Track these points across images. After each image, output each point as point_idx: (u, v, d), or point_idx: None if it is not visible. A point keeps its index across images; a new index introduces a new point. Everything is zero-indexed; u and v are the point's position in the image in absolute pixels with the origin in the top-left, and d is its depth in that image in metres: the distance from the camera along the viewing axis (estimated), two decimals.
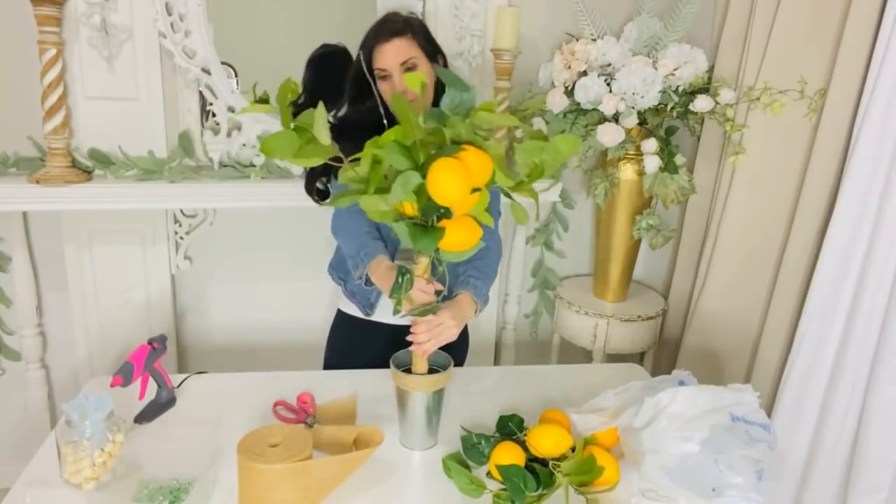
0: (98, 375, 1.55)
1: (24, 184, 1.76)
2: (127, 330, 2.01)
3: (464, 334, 1.67)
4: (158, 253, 2.01)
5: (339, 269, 1.59)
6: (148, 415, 1.27)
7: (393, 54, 1.36)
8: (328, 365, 1.64)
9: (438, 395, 1.20)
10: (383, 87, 1.39)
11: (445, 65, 1.48)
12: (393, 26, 1.39)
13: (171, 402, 1.31)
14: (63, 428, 1.06)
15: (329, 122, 1.38)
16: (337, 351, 1.63)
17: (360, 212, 1.41)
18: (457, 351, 1.61)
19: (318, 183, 1.53)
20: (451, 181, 0.94)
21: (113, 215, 1.90)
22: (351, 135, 1.30)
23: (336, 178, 1.37)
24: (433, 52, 1.44)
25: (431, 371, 1.22)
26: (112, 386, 1.21)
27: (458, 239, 1.04)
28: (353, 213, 1.42)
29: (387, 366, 1.34)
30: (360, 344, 1.57)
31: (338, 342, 1.63)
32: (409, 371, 1.21)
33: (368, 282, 1.36)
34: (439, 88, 1.44)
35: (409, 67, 1.37)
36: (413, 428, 1.22)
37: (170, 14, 1.82)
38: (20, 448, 2.01)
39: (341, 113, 1.47)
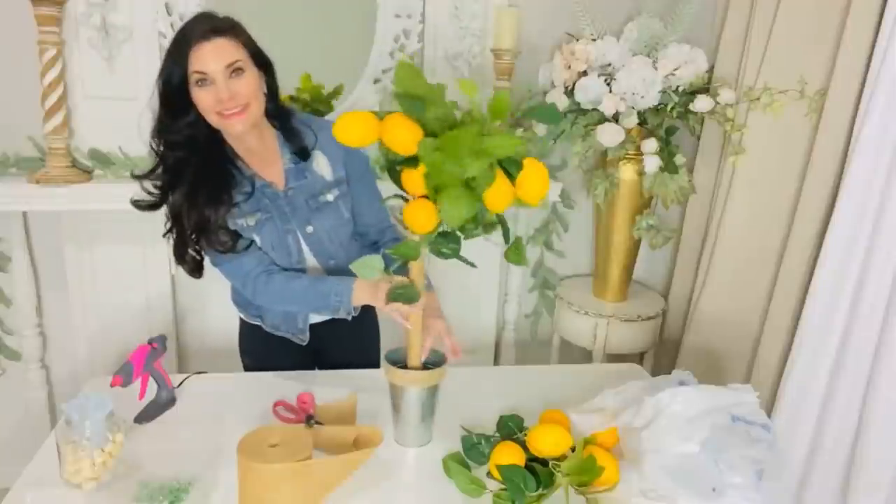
0: (98, 375, 1.54)
1: (24, 184, 1.76)
2: (127, 330, 2.01)
3: (375, 327, 1.65)
4: (158, 253, 2.01)
5: (250, 307, 1.49)
6: (148, 415, 1.27)
7: (215, 55, 1.16)
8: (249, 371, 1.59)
9: (433, 391, 1.21)
10: (201, 97, 1.19)
11: (273, 75, 1.29)
12: (212, 23, 1.19)
13: (171, 402, 1.31)
14: (63, 428, 1.06)
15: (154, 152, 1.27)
16: (256, 359, 1.56)
17: (288, 274, 1.35)
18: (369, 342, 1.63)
19: (190, 250, 1.33)
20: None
21: (113, 215, 1.90)
22: (180, 165, 1.25)
23: (204, 245, 1.30)
24: (260, 58, 1.26)
25: (425, 368, 1.23)
26: (112, 386, 1.21)
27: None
28: (283, 281, 1.34)
29: (309, 365, 1.47)
30: (278, 350, 1.50)
31: (254, 351, 1.57)
32: (403, 368, 1.22)
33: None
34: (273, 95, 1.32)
35: (235, 70, 1.18)
36: (408, 425, 1.22)
37: (170, 14, 1.82)
38: (20, 448, 2.00)
39: (161, 146, 1.27)
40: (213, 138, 1.29)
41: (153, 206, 1.30)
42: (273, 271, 1.37)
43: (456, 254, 1.10)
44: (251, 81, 1.22)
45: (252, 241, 1.35)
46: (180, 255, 1.33)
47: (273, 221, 1.35)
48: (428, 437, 1.25)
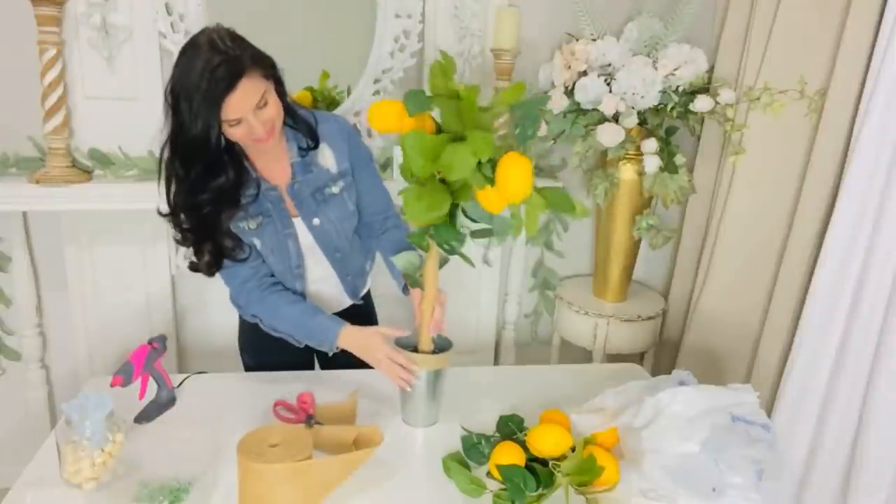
0: (98, 375, 1.55)
1: (24, 184, 1.76)
2: (127, 330, 2.01)
3: (373, 320, 1.68)
4: (158, 253, 2.01)
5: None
6: (148, 415, 1.27)
7: (244, 101, 1.16)
8: (249, 369, 1.60)
9: (440, 374, 1.26)
10: (233, 132, 1.21)
11: (277, 71, 1.26)
12: (232, 67, 1.14)
13: (171, 402, 1.31)
14: (63, 428, 1.06)
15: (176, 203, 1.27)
16: (256, 356, 1.57)
17: (284, 296, 1.37)
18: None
19: (207, 254, 1.31)
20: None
21: (113, 215, 1.90)
22: (215, 206, 1.27)
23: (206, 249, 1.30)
24: (268, 68, 1.22)
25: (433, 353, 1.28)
26: (112, 386, 1.21)
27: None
28: (276, 303, 1.36)
29: (309, 362, 1.55)
30: (277, 347, 1.49)
31: (254, 349, 1.57)
32: (414, 351, 1.27)
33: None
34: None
35: (261, 106, 1.19)
36: (416, 405, 1.27)
37: (170, 14, 1.82)
38: (20, 448, 2.01)
39: (188, 192, 1.27)
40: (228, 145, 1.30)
41: (209, 267, 1.33)
42: (268, 285, 1.38)
43: (456, 250, 1.13)
44: (274, 102, 1.23)
45: (251, 250, 1.36)
46: (198, 255, 1.32)
47: (273, 224, 1.36)
48: (434, 418, 1.30)
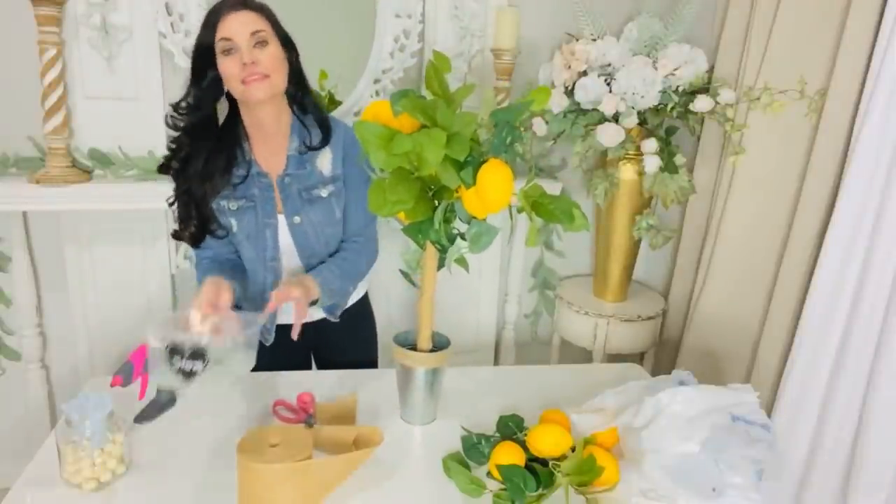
0: (98, 375, 1.55)
1: (24, 184, 1.76)
2: (127, 330, 2.01)
3: (371, 321, 1.67)
4: (158, 253, 2.01)
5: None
6: (148, 415, 1.26)
7: (240, 23, 1.24)
8: None
9: (438, 372, 1.26)
10: (226, 65, 1.26)
11: (298, 60, 1.35)
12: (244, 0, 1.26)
13: (171, 402, 1.31)
14: (63, 428, 1.06)
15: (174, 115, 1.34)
16: None
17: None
18: (365, 339, 1.65)
19: (193, 226, 1.36)
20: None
21: (113, 215, 1.90)
22: (192, 126, 1.32)
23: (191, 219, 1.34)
24: (285, 38, 1.32)
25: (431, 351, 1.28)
26: (112, 386, 1.21)
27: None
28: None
29: (305, 363, 1.58)
30: (273, 349, 1.48)
31: None
32: (412, 349, 1.26)
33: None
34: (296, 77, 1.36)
35: (259, 41, 1.25)
36: (415, 403, 1.27)
37: (170, 14, 1.82)
38: (20, 448, 2.01)
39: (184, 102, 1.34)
40: (230, 115, 1.33)
41: (192, 239, 1.37)
42: (215, 261, 1.39)
43: (448, 249, 1.14)
44: (274, 54, 1.27)
45: (227, 233, 1.38)
46: (184, 223, 1.37)
47: (254, 211, 1.36)
48: (432, 416, 1.30)
